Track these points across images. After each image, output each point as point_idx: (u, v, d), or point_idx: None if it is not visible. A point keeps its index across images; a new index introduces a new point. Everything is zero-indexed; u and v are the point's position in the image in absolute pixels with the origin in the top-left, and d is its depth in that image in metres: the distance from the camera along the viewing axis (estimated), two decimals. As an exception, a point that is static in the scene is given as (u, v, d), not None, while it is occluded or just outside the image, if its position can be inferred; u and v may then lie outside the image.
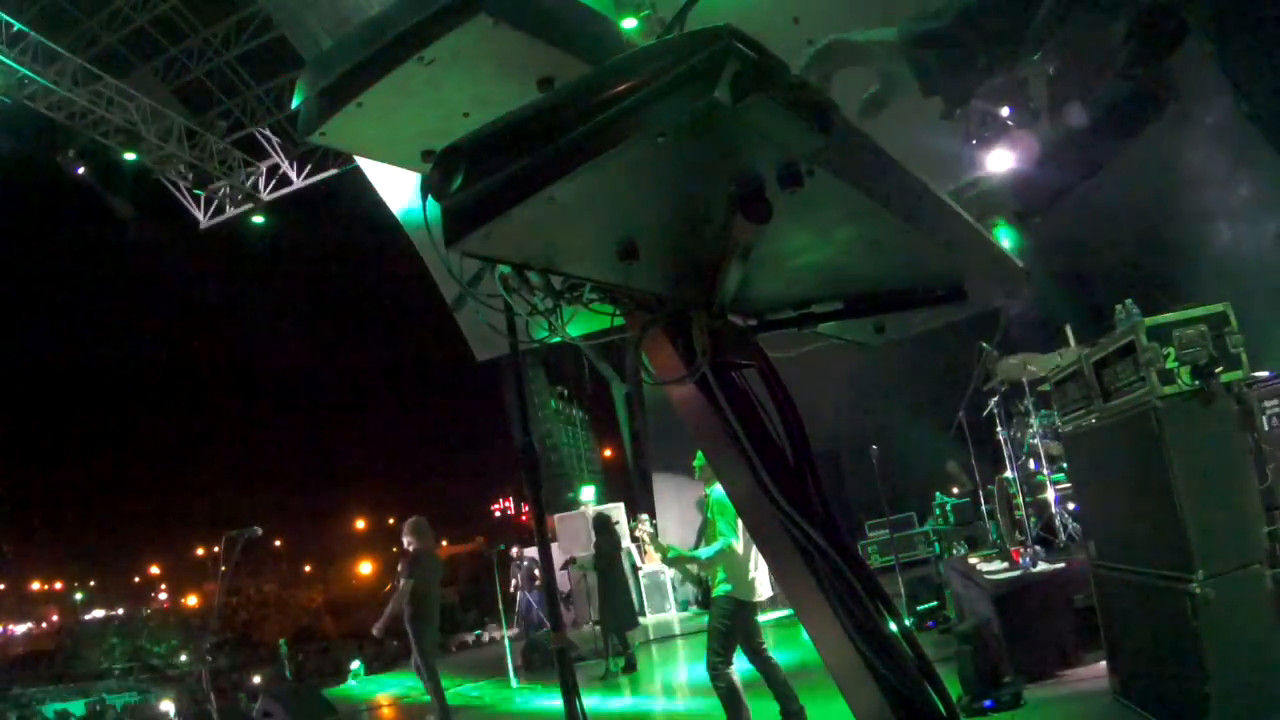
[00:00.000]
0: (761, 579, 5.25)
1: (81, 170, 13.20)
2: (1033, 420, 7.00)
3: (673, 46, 0.96)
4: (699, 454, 5.47)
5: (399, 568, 7.47)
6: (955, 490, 11.57)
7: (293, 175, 15.89)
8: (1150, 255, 8.92)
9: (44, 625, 41.24)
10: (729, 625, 5.13)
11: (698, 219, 1.19)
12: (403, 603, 7.11)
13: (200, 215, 15.69)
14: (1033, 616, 5.40)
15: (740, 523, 5.02)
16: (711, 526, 5.30)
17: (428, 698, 7.83)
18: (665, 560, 5.69)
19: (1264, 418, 3.74)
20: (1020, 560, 6.26)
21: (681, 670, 9.70)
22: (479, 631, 18.04)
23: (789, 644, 8.23)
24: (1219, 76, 1.44)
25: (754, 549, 5.14)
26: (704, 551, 5.28)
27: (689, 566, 5.68)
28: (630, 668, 9.45)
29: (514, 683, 9.62)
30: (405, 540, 7.46)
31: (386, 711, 10.86)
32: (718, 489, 5.22)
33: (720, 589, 5.19)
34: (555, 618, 4.02)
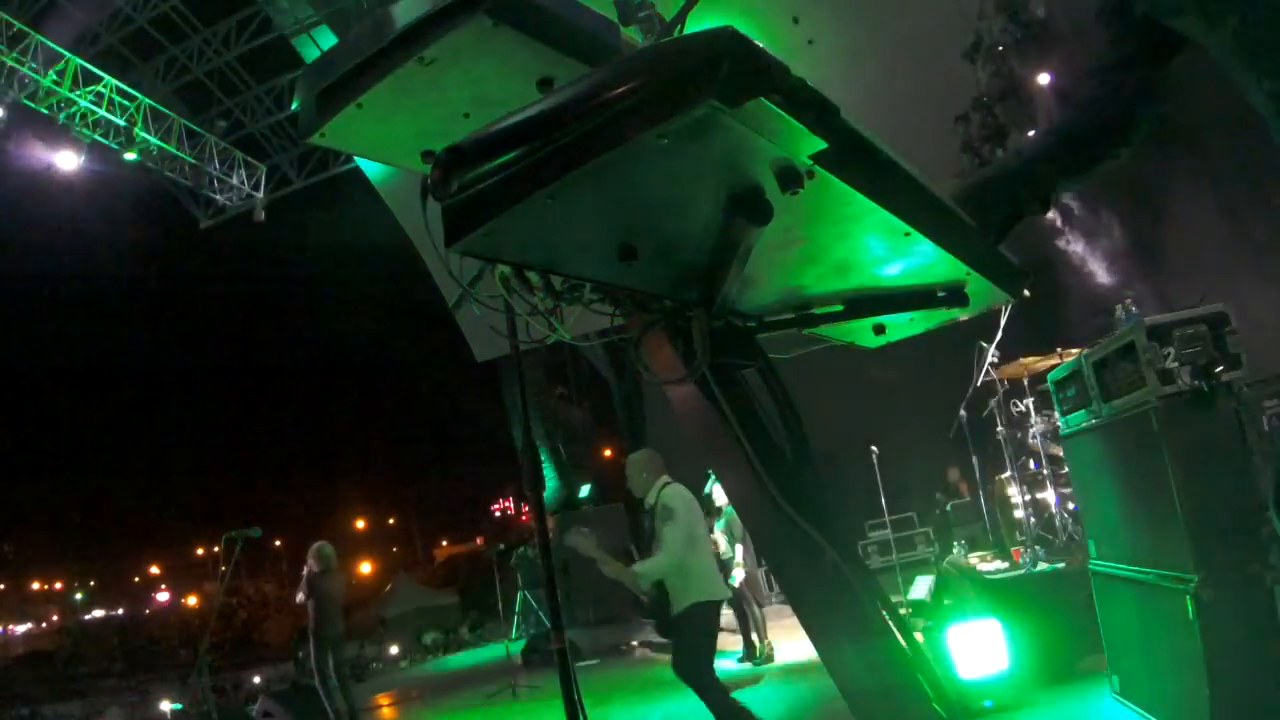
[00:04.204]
0: (720, 575, 5.02)
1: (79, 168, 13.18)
2: (1033, 420, 7.01)
3: (672, 48, 0.96)
4: (632, 458, 5.09)
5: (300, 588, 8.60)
6: (963, 496, 11.58)
7: (293, 175, 15.89)
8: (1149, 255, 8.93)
9: (44, 625, 41.21)
10: (708, 633, 4.86)
11: (697, 220, 1.19)
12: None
13: (200, 215, 15.69)
14: (1032, 617, 5.40)
15: (688, 528, 4.77)
16: (657, 535, 4.84)
17: (425, 698, 7.99)
18: (610, 574, 4.89)
19: (1264, 418, 3.73)
20: (1020, 560, 6.26)
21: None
22: (478, 630, 18.03)
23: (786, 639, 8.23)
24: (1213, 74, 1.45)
25: (703, 548, 4.97)
26: (645, 567, 4.78)
27: (634, 582, 4.99)
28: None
29: (514, 683, 9.61)
30: (308, 563, 8.38)
31: (386, 712, 10.86)
32: (667, 493, 4.91)
33: (688, 600, 4.79)
34: (555, 618, 3.99)
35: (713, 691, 4.78)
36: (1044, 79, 8.35)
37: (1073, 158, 1.67)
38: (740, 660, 8.62)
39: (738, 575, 8.35)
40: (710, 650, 4.88)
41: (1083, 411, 4.42)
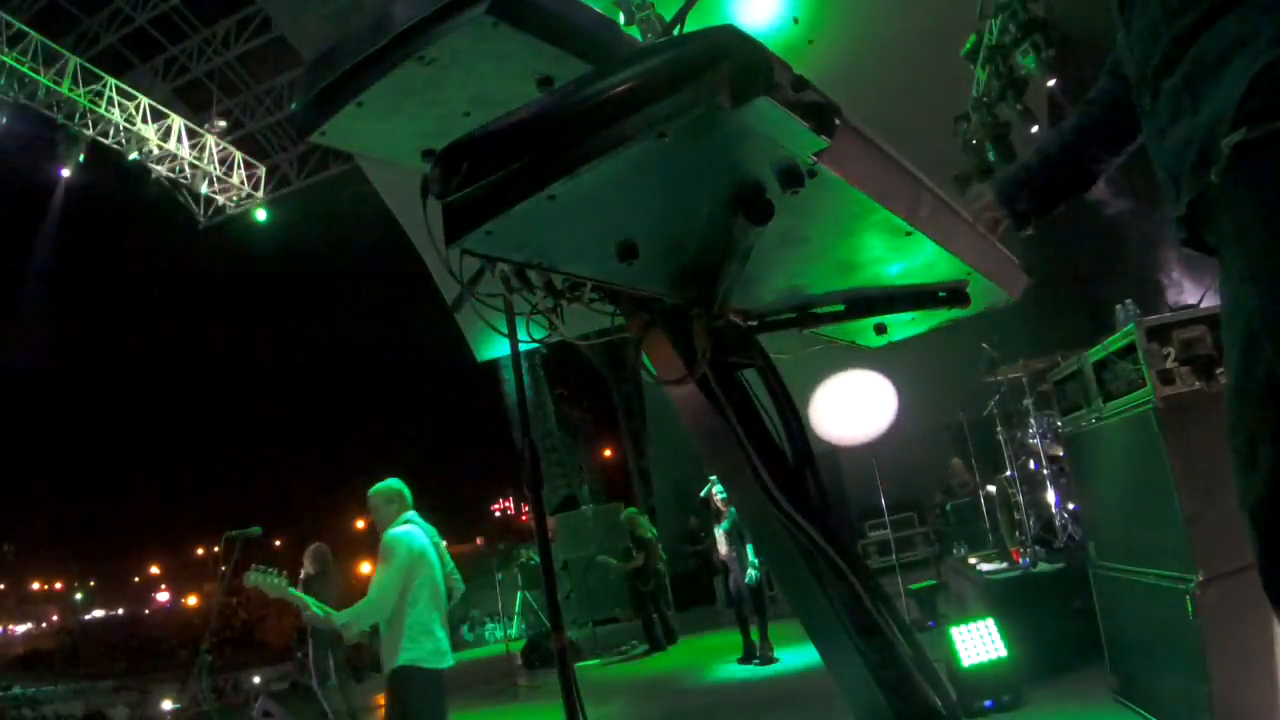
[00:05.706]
0: (446, 643, 4.27)
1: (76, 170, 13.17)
2: (1033, 420, 7.00)
3: (673, 46, 0.96)
4: (380, 489, 4.53)
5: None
6: (966, 483, 11.54)
7: (293, 175, 15.90)
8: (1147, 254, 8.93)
9: (44, 625, 41.23)
10: (417, 706, 4.15)
11: (698, 219, 1.19)
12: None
13: (200, 215, 15.69)
14: (1032, 617, 5.40)
15: (423, 570, 4.18)
16: (373, 575, 4.18)
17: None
18: (306, 618, 4.22)
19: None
20: (1020, 560, 6.26)
21: (684, 675, 9.71)
22: (478, 630, 18.03)
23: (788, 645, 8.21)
24: None
25: (427, 603, 4.18)
26: (347, 614, 4.12)
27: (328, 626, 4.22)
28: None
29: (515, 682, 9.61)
30: (304, 565, 8.47)
31: (386, 712, 10.85)
32: (394, 530, 4.28)
33: (400, 658, 4.08)
34: (555, 618, 3.99)
35: None
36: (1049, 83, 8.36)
37: (1112, 123, 1.64)
38: (740, 662, 8.63)
39: (743, 575, 8.40)
40: None
41: (1083, 411, 4.42)
